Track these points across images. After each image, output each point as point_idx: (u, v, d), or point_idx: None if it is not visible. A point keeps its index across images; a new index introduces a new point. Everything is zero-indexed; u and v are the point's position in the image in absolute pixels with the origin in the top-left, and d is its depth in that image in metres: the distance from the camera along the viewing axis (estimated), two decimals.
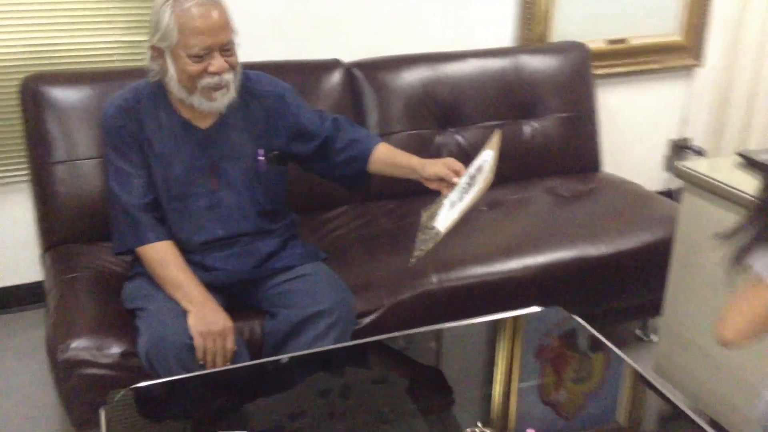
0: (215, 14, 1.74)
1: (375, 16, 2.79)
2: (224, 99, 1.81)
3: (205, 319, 1.74)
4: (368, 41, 2.76)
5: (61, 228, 2.25)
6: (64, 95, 2.23)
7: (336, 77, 2.58)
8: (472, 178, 1.76)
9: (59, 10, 2.43)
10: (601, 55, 3.22)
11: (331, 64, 2.59)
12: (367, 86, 2.62)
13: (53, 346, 1.77)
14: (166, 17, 1.72)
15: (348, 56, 2.63)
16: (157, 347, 1.73)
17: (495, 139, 1.80)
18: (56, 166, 2.22)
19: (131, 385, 1.64)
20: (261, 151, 1.94)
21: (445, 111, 2.72)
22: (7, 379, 2.20)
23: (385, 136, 2.62)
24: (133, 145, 1.84)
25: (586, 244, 2.35)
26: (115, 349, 1.79)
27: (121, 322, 1.85)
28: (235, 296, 1.95)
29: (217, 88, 1.79)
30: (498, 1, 3.01)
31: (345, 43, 2.71)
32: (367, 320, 2.03)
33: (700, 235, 1.92)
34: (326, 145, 1.99)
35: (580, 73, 2.95)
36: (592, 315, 2.37)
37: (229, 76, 1.79)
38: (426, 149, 2.67)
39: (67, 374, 1.77)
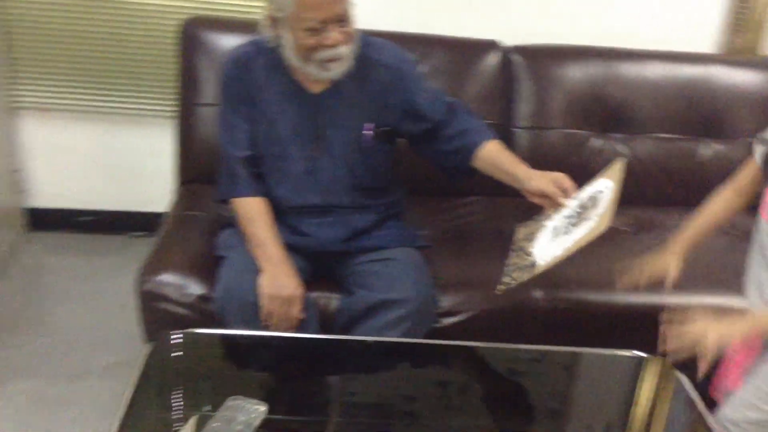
0: None
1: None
2: (340, 69, 1.76)
3: (276, 281, 1.72)
4: (532, 25, 2.57)
5: (196, 167, 2.35)
6: (219, 41, 2.31)
7: (492, 60, 2.43)
8: (584, 208, 1.57)
9: None
10: None
11: (488, 45, 2.44)
12: (525, 74, 2.44)
13: (141, 276, 1.85)
14: None
15: (507, 39, 2.46)
16: (227, 299, 1.75)
17: (616, 169, 1.57)
18: (201, 107, 2.31)
19: (200, 327, 1.69)
20: (368, 125, 1.87)
21: (611, 114, 2.46)
22: (119, 295, 2.38)
23: (535, 130, 2.44)
24: (243, 98, 1.85)
25: (733, 294, 2.02)
26: (195, 291, 1.84)
27: (210, 266, 1.89)
28: (322, 266, 1.92)
29: (333, 60, 1.74)
30: (704, 1, 2.66)
31: (506, 24, 2.54)
32: (449, 320, 1.90)
33: None
34: (436, 129, 1.88)
35: None
36: None
37: (344, 49, 1.73)
38: (578, 152, 2.45)
39: (146, 304, 1.85)
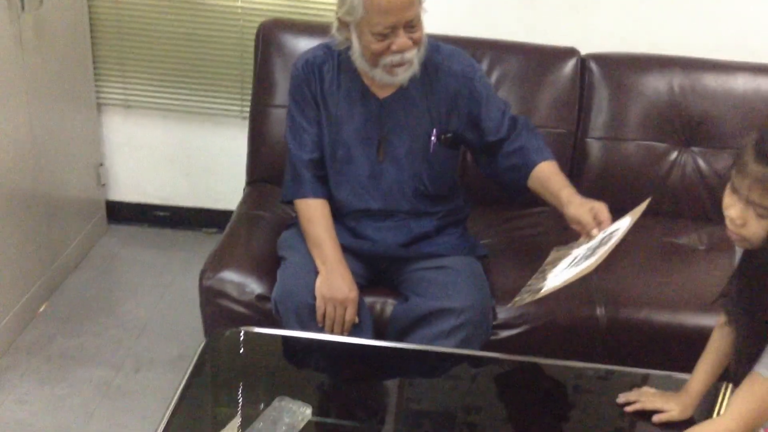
0: None
1: (625, 5, 2.49)
2: (406, 74, 1.75)
3: (332, 283, 1.73)
4: (613, 32, 2.48)
5: (266, 167, 2.38)
6: (295, 43, 2.33)
7: (569, 67, 2.36)
8: (602, 241, 1.55)
9: None
10: None
11: (566, 52, 2.37)
12: (602, 82, 2.36)
13: (204, 272, 1.89)
14: None
15: (584, 46, 2.39)
16: (283, 299, 1.76)
17: (641, 208, 1.56)
18: (274, 108, 2.34)
19: (258, 325, 1.71)
20: (435, 131, 1.85)
21: (693, 126, 2.35)
22: (188, 289, 2.43)
23: (611, 141, 2.36)
24: (311, 100, 1.86)
25: None
26: (255, 290, 1.86)
27: (271, 266, 1.90)
28: (379, 270, 1.91)
29: (400, 64, 1.73)
30: None
31: (583, 31, 2.47)
32: (506, 333, 1.86)
33: None
34: (496, 144, 1.86)
35: None
36: None
37: (411, 54, 1.72)
38: (657, 165, 2.36)
39: (207, 300, 1.88)
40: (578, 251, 1.61)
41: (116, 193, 2.99)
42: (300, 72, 1.87)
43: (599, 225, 1.61)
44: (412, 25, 1.69)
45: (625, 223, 1.58)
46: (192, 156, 2.91)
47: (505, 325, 1.86)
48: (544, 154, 1.86)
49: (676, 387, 1.57)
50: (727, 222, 1.21)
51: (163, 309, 2.53)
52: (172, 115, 2.84)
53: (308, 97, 1.86)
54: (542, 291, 1.54)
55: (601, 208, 1.64)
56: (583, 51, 2.38)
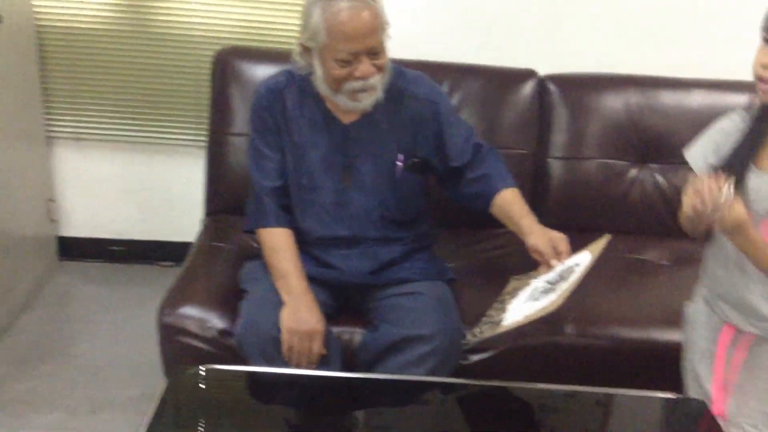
0: (366, 18, 1.62)
1: (582, 27, 2.52)
2: (369, 100, 1.73)
3: (297, 315, 1.67)
4: (570, 53, 2.50)
5: (225, 197, 2.32)
6: (251, 70, 2.29)
7: (528, 88, 2.36)
8: (561, 278, 1.56)
9: None
10: None
11: (525, 74, 2.38)
12: (560, 103, 2.37)
13: (162, 308, 1.82)
14: (315, 17, 1.64)
15: (543, 67, 2.40)
16: (247, 333, 1.70)
17: (601, 243, 1.57)
18: (232, 137, 2.30)
19: (220, 362, 1.64)
20: (401, 156, 1.82)
21: (650, 144, 2.37)
22: (146, 326, 2.34)
23: (571, 160, 2.37)
24: (274, 127, 1.82)
25: None
26: (216, 325, 1.79)
27: (233, 300, 1.84)
28: (347, 299, 1.86)
29: (363, 90, 1.70)
30: (752, 24, 2.55)
31: (543, 53, 2.48)
32: (476, 357, 1.82)
33: None
34: (460, 170, 1.86)
35: None
36: None
37: (375, 80, 1.70)
38: (617, 183, 2.37)
39: (166, 337, 1.81)
40: (537, 282, 1.61)
41: (69, 229, 2.89)
42: (262, 99, 1.83)
43: (558, 255, 1.61)
44: (376, 51, 1.67)
45: (585, 258, 1.58)
46: (146, 188, 2.83)
47: (475, 350, 1.83)
48: (506, 181, 1.86)
49: (647, 406, 1.56)
50: (762, 73, 1.25)
51: (119, 347, 2.44)
52: (124, 146, 2.77)
53: (270, 124, 1.82)
54: (503, 325, 1.53)
55: (561, 240, 1.65)
56: (542, 72, 2.39)
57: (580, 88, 2.38)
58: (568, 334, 1.87)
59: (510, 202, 1.82)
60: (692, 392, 1.58)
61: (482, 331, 1.60)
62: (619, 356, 1.87)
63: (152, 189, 2.83)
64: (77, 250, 2.91)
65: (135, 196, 2.84)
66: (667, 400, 1.56)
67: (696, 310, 1.59)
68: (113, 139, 2.74)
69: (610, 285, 2.08)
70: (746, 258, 1.37)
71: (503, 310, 1.63)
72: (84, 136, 2.73)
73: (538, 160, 2.38)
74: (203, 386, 1.54)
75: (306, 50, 1.72)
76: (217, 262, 2.04)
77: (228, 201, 2.31)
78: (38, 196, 2.71)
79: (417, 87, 1.84)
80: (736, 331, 1.48)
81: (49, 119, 2.70)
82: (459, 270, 2.10)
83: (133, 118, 2.71)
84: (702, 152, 1.45)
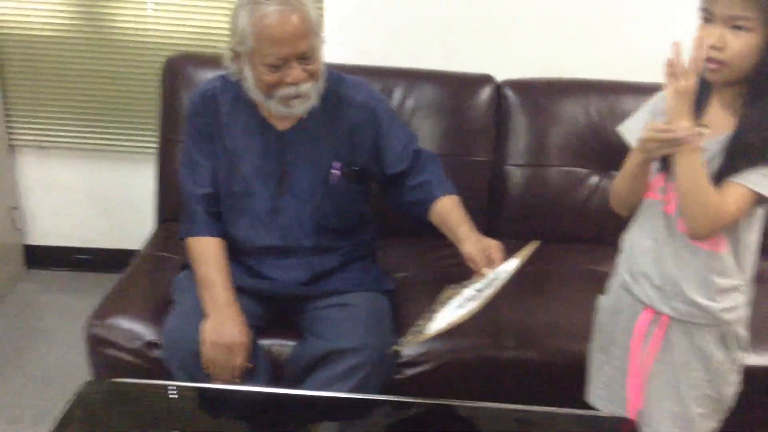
0: (294, 21, 1.59)
1: (539, 32, 2.46)
2: (303, 106, 1.69)
3: (219, 328, 1.63)
4: (528, 58, 2.43)
5: (177, 204, 2.28)
6: (201, 77, 2.25)
7: (485, 94, 2.31)
8: (489, 284, 1.52)
9: None
10: None
11: (482, 80, 2.32)
12: (518, 109, 2.31)
13: (91, 319, 1.79)
14: (243, 22, 1.61)
15: (500, 73, 2.34)
16: (169, 346, 1.67)
17: (528, 250, 1.54)
18: (182, 144, 2.25)
19: (145, 375, 1.61)
20: (337, 164, 1.78)
21: (611, 150, 2.29)
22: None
23: (530, 167, 2.31)
24: (207, 134, 1.79)
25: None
26: (144, 338, 1.76)
27: (166, 311, 1.81)
28: (279, 310, 1.82)
29: (295, 97, 1.66)
30: None
31: (501, 58, 2.42)
32: (411, 372, 1.77)
33: None
34: (399, 177, 1.81)
35: None
36: None
37: (307, 86, 1.66)
38: (577, 190, 2.30)
39: (93, 349, 1.78)
40: (468, 291, 1.56)
41: (34, 237, 2.88)
42: (195, 104, 1.80)
43: (491, 264, 1.56)
44: (306, 57, 1.63)
45: (512, 265, 1.54)
46: (111, 196, 2.81)
47: (410, 364, 1.78)
48: (445, 188, 1.81)
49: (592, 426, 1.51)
50: (707, 54, 1.24)
51: (74, 357, 2.40)
52: (89, 154, 2.75)
53: (203, 130, 1.79)
54: (426, 333, 1.48)
55: (494, 247, 1.59)
56: (499, 78, 2.33)
57: (539, 93, 2.32)
58: (506, 351, 1.80)
59: (448, 210, 1.77)
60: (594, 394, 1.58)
61: (408, 341, 1.55)
62: (556, 370, 1.80)
63: (117, 196, 2.81)
64: (44, 258, 2.90)
65: (100, 203, 2.82)
66: (596, 417, 1.50)
67: (609, 300, 1.56)
68: (76, 146, 2.73)
69: (561, 299, 2.02)
70: (682, 185, 1.32)
71: (431, 318, 1.59)
72: (47, 143, 2.72)
73: (496, 167, 2.32)
74: (114, 401, 1.50)
75: (236, 55, 1.68)
76: (159, 271, 2.01)
77: (178, 209, 2.27)
78: (1, 204, 2.70)
79: (355, 93, 1.80)
80: (654, 315, 1.44)
81: (11, 127, 2.69)
82: (405, 279, 2.05)
83: (96, 126, 2.69)
84: (637, 127, 1.43)
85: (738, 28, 1.22)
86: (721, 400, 1.47)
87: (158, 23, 2.55)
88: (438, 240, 2.22)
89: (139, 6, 2.54)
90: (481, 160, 2.31)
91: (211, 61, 2.33)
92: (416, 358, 1.77)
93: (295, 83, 1.64)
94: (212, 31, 2.55)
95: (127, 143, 2.71)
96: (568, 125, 2.30)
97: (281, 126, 1.77)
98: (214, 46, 2.53)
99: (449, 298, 1.59)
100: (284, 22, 1.58)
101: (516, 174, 2.32)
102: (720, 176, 1.30)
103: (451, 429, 1.53)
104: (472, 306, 1.48)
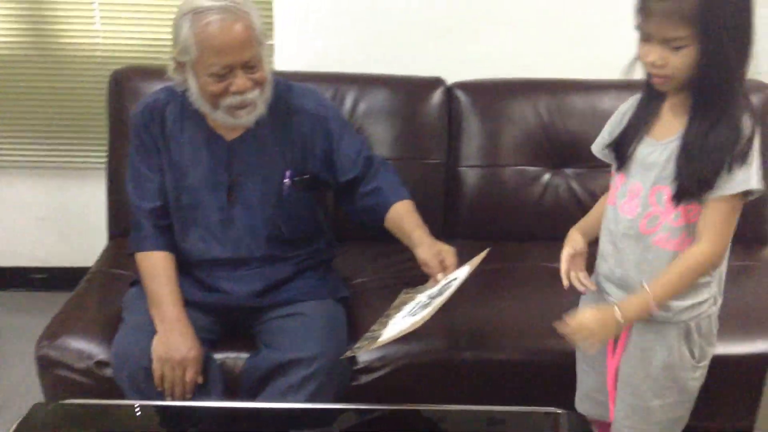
0: (237, 30, 1.57)
1: (490, 33, 2.46)
2: (250, 116, 1.67)
3: (169, 343, 1.61)
4: (479, 60, 2.44)
5: (127, 221, 2.25)
6: (149, 90, 2.20)
7: (436, 97, 2.31)
8: (441, 290, 1.52)
9: (164, 5, 2.48)
10: None
11: (432, 83, 2.32)
12: (470, 110, 2.32)
13: (39, 339, 1.75)
14: (185, 31, 1.59)
15: (454, 76, 2.35)
16: (118, 364, 1.64)
17: (480, 257, 1.54)
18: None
19: (97, 394, 1.58)
20: (288, 173, 1.76)
21: (564, 149, 2.32)
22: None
23: (484, 168, 2.31)
24: (152, 146, 1.76)
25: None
26: (95, 356, 1.73)
27: (117, 329, 1.78)
28: (232, 323, 1.80)
29: (242, 106, 1.65)
30: None
31: (451, 61, 2.41)
32: (367, 378, 1.76)
33: None
34: (352, 184, 1.81)
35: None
36: None
37: (253, 95, 1.64)
38: (531, 189, 2.31)
39: (44, 370, 1.75)
40: (421, 297, 1.57)
41: None
42: (139, 117, 1.78)
43: (444, 270, 1.57)
44: (251, 65, 1.62)
45: (464, 272, 1.54)
46: (64, 213, 2.76)
47: (366, 370, 1.77)
48: (399, 194, 1.81)
49: (529, 422, 1.50)
50: (650, 70, 1.31)
51: (31, 379, 2.34)
52: (41, 172, 2.71)
53: (148, 142, 1.76)
54: (379, 340, 1.48)
55: (448, 252, 1.60)
56: (450, 80, 2.34)
57: (490, 94, 2.33)
58: (462, 353, 1.80)
59: (402, 215, 1.77)
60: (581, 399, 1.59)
61: (360, 347, 1.55)
62: (509, 372, 1.80)
63: (70, 213, 2.76)
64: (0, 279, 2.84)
65: (53, 221, 2.78)
66: (547, 414, 1.50)
67: (588, 298, 1.57)
68: (27, 164, 2.68)
69: (517, 296, 2.03)
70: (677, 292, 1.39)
71: (385, 324, 1.59)
72: None
73: (450, 169, 2.33)
74: (64, 423, 1.47)
75: (179, 65, 1.66)
76: (110, 289, 1.98)
77: (129, 225, 2.24)
78: None
79: (304, 101, 1.79)
80: None
81: None
82: (362, 285, 2.05)
83: (46, 143, 2.65)
84: (600, 140, 1.53)
85: (676, 47, 1.25)
86: (684, 391, 1.48)
87: (106, 37, 2.52)
88: (394, 244, 2.22)
89: (86, 21, 2.50)
90: (435, 163, 2.31)
91: (158, 73, 2.28)
92: (372, 364, 1.76)
93: (240, 92, 1.62)
94: (161, 43, 2.51)
95: (78, 159, 2.67)
96: (520, 125, 2.31)
97: (229, 136, 1.75)
98: (164, 58, 2.50)
99: (402, 303, 1.59)
100: (227, 31, 1.57)
101: (470, 175, 2.32)
102: (681, 182, 1.33)
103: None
104: (423, 313, 1.47)
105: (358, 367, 1.76)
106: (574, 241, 1.52)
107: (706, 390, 1.83)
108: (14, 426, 1.40)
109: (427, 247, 1.64)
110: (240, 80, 1.61)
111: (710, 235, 1.32)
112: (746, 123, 1.28)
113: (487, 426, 1.56)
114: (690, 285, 1.37)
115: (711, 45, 1.23)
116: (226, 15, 1.57)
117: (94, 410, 1.51)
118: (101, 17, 2.49)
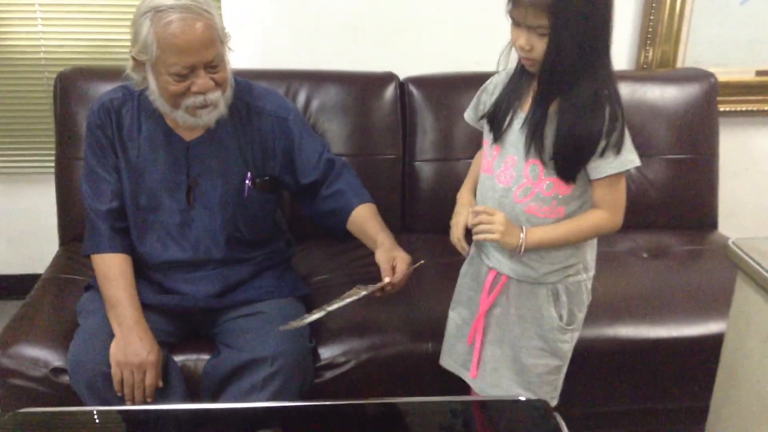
0: (199, 29, 1.55)
1: (440, 28, 2.49)
2: (211, 116, 1.65)
3: (127, 347, 1.58)
4: (430, 55, 2.46)
5: (78, 224, 2.19)
6: (96, 91, 2.18)
7: (389, 92, 2.32)
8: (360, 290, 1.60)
9: (106, 5, 2.43)
10: (750, 88, 2.65)
11: (385, 78, 2.33)
12: (423, 104, 2.33)
13: None
14: (145, 30, 1.55)
15: (405, 71, 2.36)
16: (75, 370, 1.61)
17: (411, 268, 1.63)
18: (80, 161, 2.16)
19: (54, 402, 1.54)
20: (249, 174, 1.75)
21: None
22: None
23: (439, 162, 2.33)
24: (108, 147, 1.73)
25: (641, 323, 1.90)
26: (50, 363, 1.68)
27: (72, 335, 1.74)
28: (191, 325, 1.78)
29: (203, 106, 1.62)
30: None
31: (404, 57, 2.43)
32: (331, 374, 1.75)
33: (751, 337, 1.42)
34: (313, 186, 1.80)
35: (702, 109, 2.43)
36: (610, 414, 1.96)
37: (215, 95, 1.62)
38: None
39: None
40: (363, 293, 1.59)
41: None
42: (95, 117, 1.74)
43: (392, 273, 1.59)
44: (213, 65, 1.60)
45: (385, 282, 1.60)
46: (11, 220, 2.69)
47: (330, 366, 1.76)
48: (362, 197, 1.81)
49: (498, 410, 1.52)
50: (519, 53, 1.41)
51: None
52: None
53: (104, 143, 1.73)
54: (304, 320, 1.57)
55: (400, 260, 1.62)
56: (402, 75, 2.34)
57: (442, 88, 2.34)
58: (423, 341, 1.81)
59: (365, 218, 1.77)
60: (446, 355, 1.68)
61: (290, 324, 1.59)
62: None
63: (19, 220, 2.69)
64: None
65: (1, 229, 2.70)
66: (513, 402, 1.52)
67: (468, 261, 1.66)
68: None
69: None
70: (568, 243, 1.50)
71: (322, 310, 1.61)
72: None
73: (405, 164, 2.33)
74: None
75: (139, 64, 1.63)
76: (63, 295, 1.93)
77: (81, 229, 2.19)
78: None
79: (265, 102, 1.78)
80: (496, 275, 1.55)
81: None
82: (321, 283, 2.04)
83: None
84: (472, 112, 1.65)
85: (541, 34, 1.34)
86: (555, 354, 1.56)
87: (49, 39, 2.45)
88: (352, 242, 2.24)
89: (28, 23, 2.43)
90: (390, 158, 2.32)
91: (104, 73, 2.27)
92: (335, 360, 1.76)
93: (202, 92, 1.60)
94: (104, 44, 2.46)
95: (24, 164, 2.60)
96: None
97: (188, 136, 1.72)
98: (107, 59, 2.46)
99: (350, 296, 1.60)
100: (189, 31, 1.54)
101: (425, 169, 2.33)
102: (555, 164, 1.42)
103: (379, 427, 1.53)
104: (331, 308, 1.58)
105: (321, 363, 1.75)
106: (467, 207, 1.57)
107: (663, 371, 1.90)
108: None
109: (384, 250, 1.65)
110: (202, 80, 1.59)
111: (611, 208, 1.45)
112: (609, 112, 1.37)
113: (451, 417, 1.57)
114: (581, 240, 1.49)
115: (559, 34, 1.32)
116: (187, 14, 1.55)
117: (53, 418, 1.47)
118: (42, 18, 2.43)
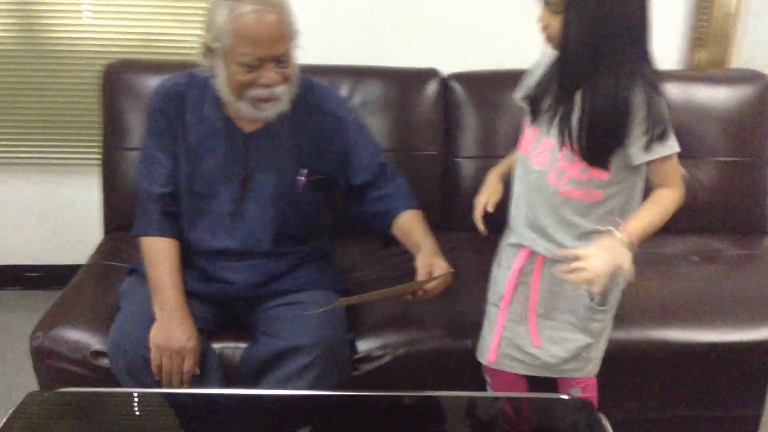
0: (273, 22, 1.56)
1: (485, 24, 2.47)
2: (274, 110, 1.65)
3: (167, 332, 1.59)
4: (475, 52, 2.43)
5: (123, 214, 2.22)
6: (142, 84, 2.22)
7: (431, 88, 2.30)
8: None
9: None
10: None
11: (427, 74, 2.32)
12: (466, 101, 2.31)
13: (34, 332, 1.73)
14: (222, 19, 1.57)
15: (448, 67, 2.34)
16: (114, 353, 1.62)
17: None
18: (127, 152, 2.22)
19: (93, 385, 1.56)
20: (304, 171, 1.75)
21: None
22: None
23: (480, 159, 2.30)
24: (169, 131, 1.73)
25: (691, 327, 1.84)
26: (90, 346, 1.70)
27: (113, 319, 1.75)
28: (231, 313, 1.78)
29: (268, 99, 1.63)
30: (662, 17, 2.50)
31: (447, 52, 2.41)
32: (368, 366, 1.74)
33: None
34: (363, 188, 1.79)
35: (754, 110, 2.36)
36: (656, 420, 1.90)
37: (281, 89, 1.63)
38: None
39: (38, 362, 1.72)
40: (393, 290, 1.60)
41: None
42: (158, 100, 1.75)
43: (428, 278, 1.58)
44: (283, 60, 1.60)
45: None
46: (59, 211, 2.74)
47: (367, 358, 1.75)
48: (409, 202, 1.80)
49: (537, 407, 1.49)
50: (540, 30, 1.43)
51: (25, 377, 2.32)
52: (33, 169, 2.68)
53: (165, 127, 1.73)
54: (341, 304, 1.58)
55: (438, 267, 1.60)
56: (444, 72, 2.33)
57: (485, 85, 2.32)
58: (462, 337, 1.78)
59: (411, 224, 1.76)
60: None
61: (325, 309, 1.60)
62: None
63: (64, 211, 2.74)
64: None
65: (47, 219, 2.75)
66: (556, 400, 1.49)
67: (504, 244, 1.65)
68: (19, 162, 2.66)
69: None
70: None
71: (359, 298, 1.65)
72: None
73: (446, 160, 2.31)
74: (61, 411, 1.45)
75: (209, 51, 1.64)
76: (106, 280, 1.96)
77: (126, 219, 2.20)
78: None
79: (324, 100, 1.78)
80: (530, 254, 1.55)
81: None
82: (361, 278, 2.03)
83: (37, 140, 2.63)
84: (520, 89, 1.61)
85: (554, 12, 1.36)
86: (587, 331, 1.56)
87: (95, 31, 2.50)
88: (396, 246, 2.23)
89: (74, 15, 2.48)
90: (431, 154, 2.30)
91: (150, 66, 2.30)
92: (372, 353, 1.75)
93: (269, 85, 1.61)
94: (151, 38, 2.50)
95: (70, 155, 2.65)
96: (515, 115, 2.27)
97: (248, 128, 1.72)
98: (154, 52, 2.49)
99: (394, 291, 1.58)
100: (263, 23, 1.55)
101: (467, 166, 2.31)
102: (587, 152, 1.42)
103: (416, 420, 1.51)
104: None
105: (359, 355, 1.74)
106: (493, 192, 1.62)
107: (712, 377, 1.84)
108: (8, 414, 1.37)
109: (424, 256, 1.64)
110: (270, 73, 1.60)
111: (671, 184, 1.44)
112: (642, 101, 1.35)
113: (492, 412, 1.55)
114: (662, 224, 1.44)
115: (571, 13, 1.33)
116: (263, 7, 1.56)
117: (90, 399, 1.49)
118: (90, 12, 2.47)
